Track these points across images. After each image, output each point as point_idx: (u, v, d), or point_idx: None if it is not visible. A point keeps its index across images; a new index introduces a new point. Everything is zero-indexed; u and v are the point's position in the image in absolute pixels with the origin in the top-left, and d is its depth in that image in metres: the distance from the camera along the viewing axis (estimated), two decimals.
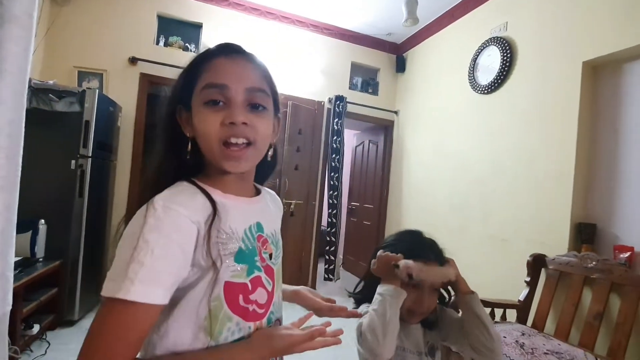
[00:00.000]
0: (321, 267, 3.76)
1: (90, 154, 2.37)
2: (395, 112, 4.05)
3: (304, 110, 3.57)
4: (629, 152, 1.94)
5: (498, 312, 2.08)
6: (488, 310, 2.05)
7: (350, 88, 3.90)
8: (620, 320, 1.69)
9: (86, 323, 2.47)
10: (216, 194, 0.53)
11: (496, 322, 1.95)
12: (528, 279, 2.11)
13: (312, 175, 3.68)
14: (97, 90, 2.43)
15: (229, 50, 0.54)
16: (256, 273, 0.54)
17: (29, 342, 2.02)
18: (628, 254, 1.85)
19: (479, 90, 2.82)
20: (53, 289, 2.23)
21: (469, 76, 2.93)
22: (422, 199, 3.46)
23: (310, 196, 3.67)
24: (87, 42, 2.94)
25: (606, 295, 1.78)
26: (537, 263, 2.11)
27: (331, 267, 3.64)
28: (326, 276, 3.66)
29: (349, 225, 4.83)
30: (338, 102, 3.65)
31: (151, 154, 0.57)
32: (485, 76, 2.76)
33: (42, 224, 2.22)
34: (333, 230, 3.65)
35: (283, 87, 3.57)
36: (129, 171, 3.04)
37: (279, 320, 0.61)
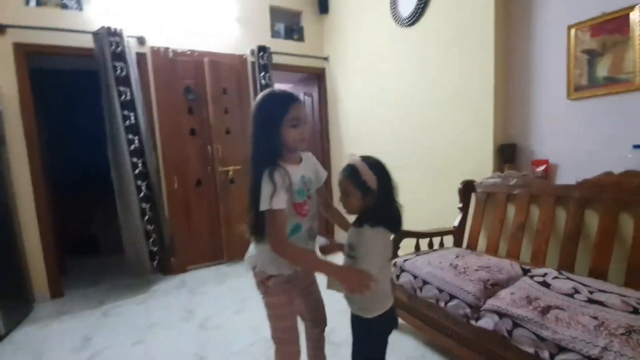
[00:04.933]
0: None
1: None
2: (325, 58, 3.85)
3: (225, 66, 3.24)
4: (540, 70, 2.00)
5: (436, 240, 2.17)
6: (426, 240, 2.14)
7: (273, 36, 3.59)
8: (540, 228, 1.83)
9: (17, 335, 2.21)
10: (286, 166, 1.09)
11: (434, 250, 2.04)
12: (460, 205, 2.21)
13: (247, 138, 3.44)
14: None
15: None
16: (304, 198, 1.14)
17: None
18: (544, 166, 1.97)
19: (400, 23, 2.71)
20: None
21: (391, 8, 2.79)
22: (362, 145, 3.43)
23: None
24: None
25: (526, 207, 1.91)
26: (467, 189, 2.21)
27: None
28: None
29: None
30: (261, 52, 3.36)
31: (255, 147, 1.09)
32: (406, 7, 2.64)
33: None
34: None
35: (196, 43, 3.20)
36: (26, 160, 2.59)
37: (313, 225, 1.21)
